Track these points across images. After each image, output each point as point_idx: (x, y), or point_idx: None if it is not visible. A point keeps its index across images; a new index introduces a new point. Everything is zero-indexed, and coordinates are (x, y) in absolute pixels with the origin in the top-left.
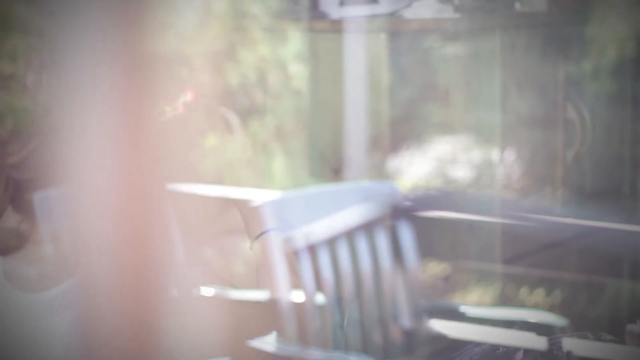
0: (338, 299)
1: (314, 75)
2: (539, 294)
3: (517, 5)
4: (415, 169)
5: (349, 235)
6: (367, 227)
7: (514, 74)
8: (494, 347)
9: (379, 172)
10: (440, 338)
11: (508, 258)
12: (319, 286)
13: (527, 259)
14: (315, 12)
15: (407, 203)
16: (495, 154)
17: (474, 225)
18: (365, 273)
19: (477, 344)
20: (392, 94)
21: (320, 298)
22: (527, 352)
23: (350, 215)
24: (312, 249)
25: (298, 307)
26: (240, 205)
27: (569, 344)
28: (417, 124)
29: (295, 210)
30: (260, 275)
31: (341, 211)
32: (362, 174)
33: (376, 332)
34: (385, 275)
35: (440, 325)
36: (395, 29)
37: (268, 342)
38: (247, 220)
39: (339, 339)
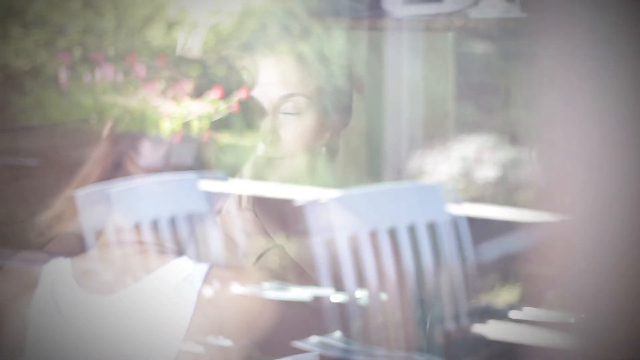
0: (418, 299)
1: (374, 74)
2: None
3: None
4: (483, 170)
5: (410, 234)
6: (426, 226)
7: (574, 74)
8: None
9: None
10: (498, 341)
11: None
12: (383, 285)
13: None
14: (378, 10)
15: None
16: (549, 155)
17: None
18: (427, 273)
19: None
20: (456, 94)
21: (383, 296)
22: None
23: (408, 214)
24: (375, 247)
25: (360, 306)
26: (283, 204)
27: None
28: (476, 126)
29: (358, 208)
30: (309, 275)
31: (397, 210)
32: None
33: (436, 333)
34: (444, 276)
35: (498, 328)
36: (459, 28)
37: (328, 342)
38: (295, 219)
39: (422, 339)
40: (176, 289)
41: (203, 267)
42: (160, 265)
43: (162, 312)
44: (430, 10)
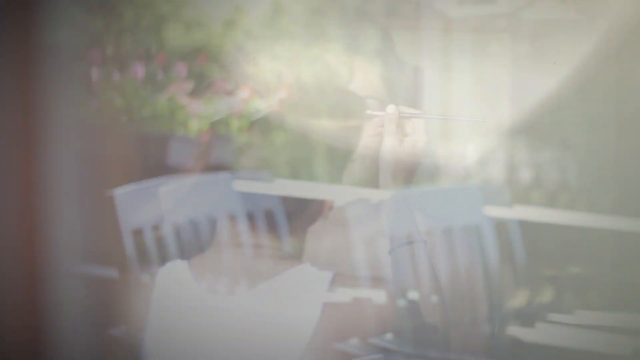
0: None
1: (424, 75)
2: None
3: None
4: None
5: (456, 235)
6: (474, 228)
7: (630, 77)
8: None
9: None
10: (548, 345)
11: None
12: (434, 286)
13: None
14: (430, 10)
15: None
16: (602, 159)
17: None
18: (475, 275)
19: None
20: (511, 97)
21: (436, 298)
22: None
23: (455, 215)
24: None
25: (413, 306)
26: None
27: None
28: (527, 129)
29: (408, 209)
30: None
31: (447, 212)
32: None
33: (501, 335)
34: (491, 278)
35: (548, 332)
36: (513, 29)
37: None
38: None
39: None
40: (301, 295)
41: (327, 274)
42: (283, 270)
43: (286, 317)
44: (483, 11)
